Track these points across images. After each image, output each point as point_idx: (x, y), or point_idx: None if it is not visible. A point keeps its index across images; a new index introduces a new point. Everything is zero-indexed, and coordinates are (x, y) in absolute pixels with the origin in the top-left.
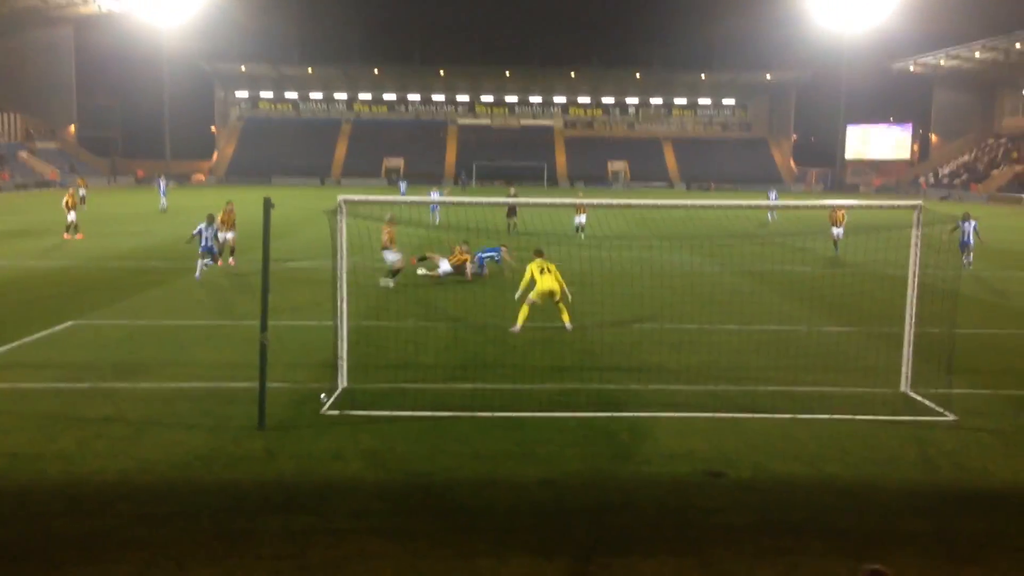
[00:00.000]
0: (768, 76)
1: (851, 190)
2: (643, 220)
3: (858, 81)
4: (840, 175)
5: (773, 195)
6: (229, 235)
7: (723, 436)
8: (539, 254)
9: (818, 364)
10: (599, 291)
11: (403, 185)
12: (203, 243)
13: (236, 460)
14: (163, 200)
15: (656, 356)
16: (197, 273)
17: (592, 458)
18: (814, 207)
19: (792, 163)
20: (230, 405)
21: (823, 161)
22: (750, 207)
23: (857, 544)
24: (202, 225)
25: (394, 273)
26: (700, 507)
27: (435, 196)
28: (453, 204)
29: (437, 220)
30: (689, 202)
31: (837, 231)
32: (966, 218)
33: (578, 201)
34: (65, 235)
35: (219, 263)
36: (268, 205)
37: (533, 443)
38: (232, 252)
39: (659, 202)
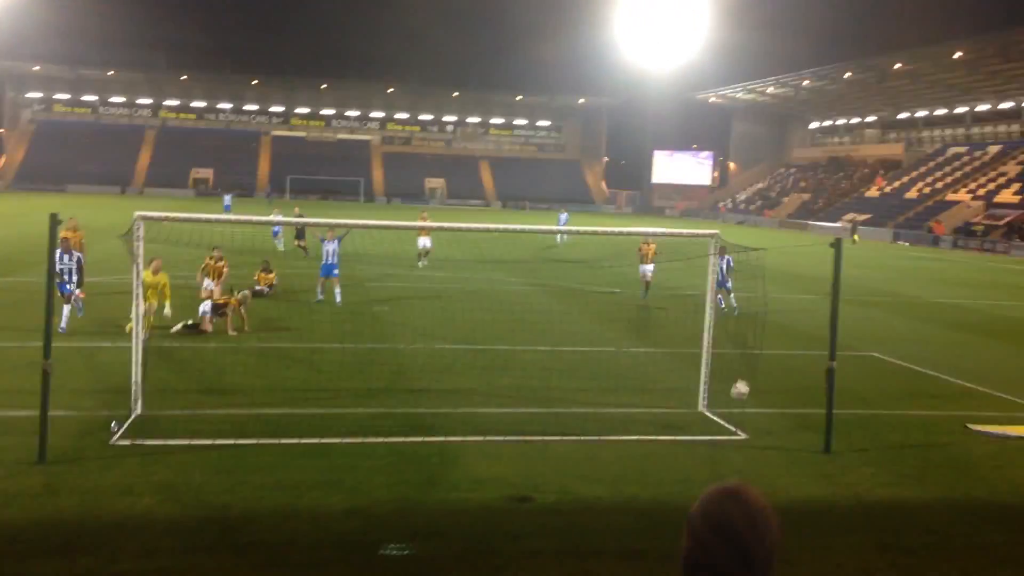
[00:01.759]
0: (581, 100)
1: (657, 212)
2: (456, 240)
3: (665, 109)
4: (648, 198)
5: (563, 217)
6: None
7: (531, 460)
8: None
9: (625, 385)
10: (412, 311)
11: (227, 199)
12: (61, 281)
13: (10, 497)
14: None
15: (467, 378)
16: (63, 323)
17: (400, 485)
18: (611, 234)
19: (604, 185)
20: (5, 436)
21: (633, 184)
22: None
23: (653, 563)
24: (57, 252)
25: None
26: (507, 532)
27: (278, 217)
28: (294, 225)
29: (281, 245)
30: (527, 227)
31: (646, 268)
32: (721, 253)
33: (422, 224)
34: None
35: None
36: (54, 221)
37: (340, 471)
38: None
39: (494, 226)
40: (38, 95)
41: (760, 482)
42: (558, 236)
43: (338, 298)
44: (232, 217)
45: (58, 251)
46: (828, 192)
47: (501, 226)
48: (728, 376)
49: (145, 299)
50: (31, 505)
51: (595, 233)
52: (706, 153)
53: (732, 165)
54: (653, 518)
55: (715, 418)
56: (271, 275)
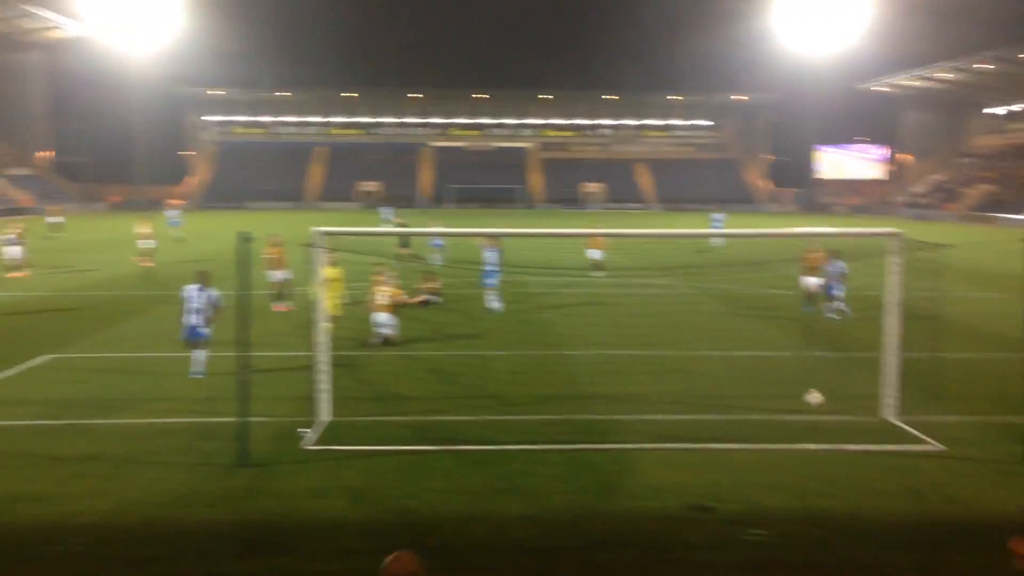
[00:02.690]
0: (740, 97)
1: (824, 210)
2: (617, 245)
3: (828, 101)
4: (814, 196)
5: (718, 218)
6: (278, 275)
7: (709, 468)
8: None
9: (801, 391)
10: (578, 317)
11: (386, 211)
12: (191, 322)
13: (217, 499)
14: (177, 231)
15: (639, 384)
16: (193, 368)
17: (577, 492)
18: (775, 235)
19: (766, 183)
20: (210, 441)
21: (796, 181)
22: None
23: None
24: (191, 289)
25: (279, 296)
26: (689, 543)
27: (438, 229)
28: (453, 235)
29: (440, 260)
30: (687, 231)
31: (809, 280)
32: (834, 257)
33: (594, 232)
34: (9, 275)
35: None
36: (244, 239)
37: (517, 477)
38: (281, 296)
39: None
40: (219, 118)
41: (962, 497)
42: (713, 239)
43: (495, 305)
44: (396, 230)
45: (192, 286)
46: (1016, 182)
47: (660, 231)
48: (914, 382)
49: (326, 297)
50: (236, 507)
51: (756, 236)
52: (874, 146)
53: (904, 157)
54: (841, 531)
55: (903, 426)
56: (434, 283)
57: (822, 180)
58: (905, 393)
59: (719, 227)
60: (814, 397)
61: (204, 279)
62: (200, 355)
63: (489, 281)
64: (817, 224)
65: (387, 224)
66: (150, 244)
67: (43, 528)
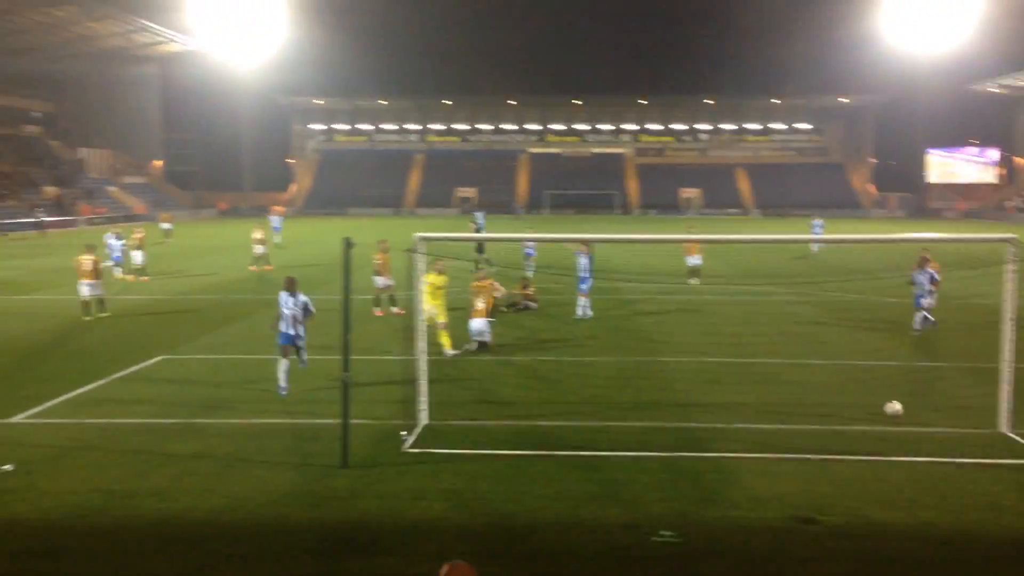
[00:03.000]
0: (844, 99)
1: (934, 215)
2: (713, 251)
3: (938, 103)
4: (922, 200)
5: (818, 224)
6: (381, 281)
7: (813, 479)
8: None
9: (909, 402)
10: (675, 324)
11: (479, 216)
12: (286, 329)
13: (321, 499)
14: (278, 236)
15: (738, 392)
16: (283, 382)
17: (677, 501)
18: (880, 241)
19: (871, 188)
20: (313, 442)
21: (904, 186)
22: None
23: None
24: (284, 296)
25: (377, 299)
26: (793, 555)
27: (532, 235)
28: (546, 242)
29: (532, 267)
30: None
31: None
32: (922, 265)
33: (685, 237)
34: (128, 277)
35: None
36: (348, 245)
37: (616, 484)
38: (393, 301)
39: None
40: (321, 126)
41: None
42: (813, 245)
43: (582, 311)
44: (494, 236)
45: (283, 293)
46: None
47: (756, 237)
48: None
49: (431, 305)
50: (339, 507)
51: (860, 241)
52: (988, 148)
53: (1019, 160)
54: (955, 548)
55: (1020, 440)
56: (528, 290)
57: (931, 184)
58: (1022, 406)
59: (819, 233)
60: (892, 407)
61: (292, 286)
62: (284, 366)
63: (581, 287)
64: (927, 230)
65: (472, 230)
66: (261, 249)
67: (157, 522)
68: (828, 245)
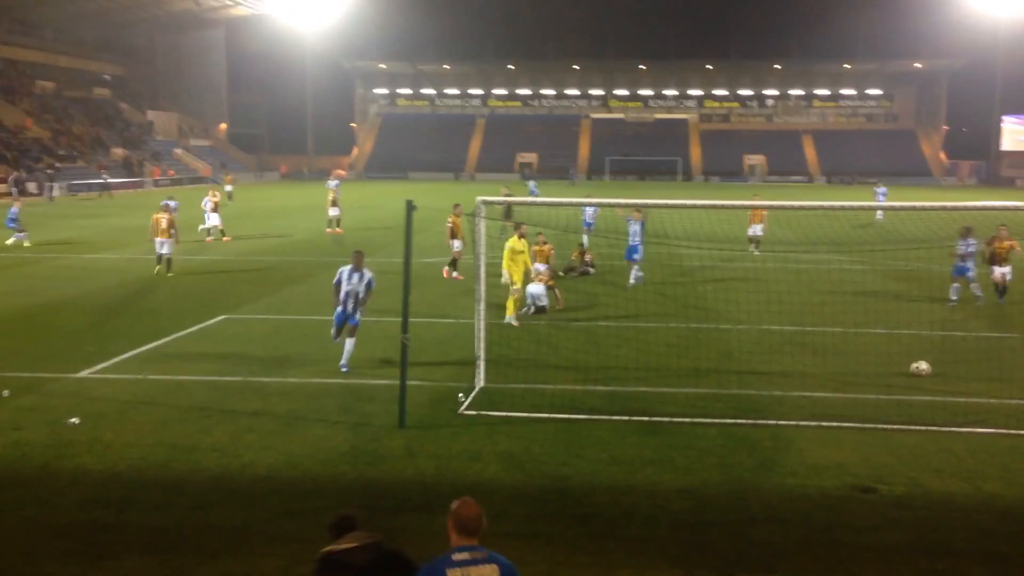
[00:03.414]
0: (917, 65)
1: (1007, 184)
2: (777, 218)
3: (1015, 68)
4: (995, 168)
5: (882, 191)
6: (457, 243)
7: (873, 448)
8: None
9: (978, 373)
10: (735, 292)
11: (532, 184)
12: (342, 305)
13: (378, 458)
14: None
15: (798, 361)
16: (344, 360)
17: (733, 468)
18: (944, 208)
19: (942, 156)
20: (371, 402)
21: (976, 154)
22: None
23: (1017, 568)
24: (344, 271)
25: (453, 262)
26: (850, 524)
27: (593, 200)
28: (609, 205)
29: (586, 238)
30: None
31: (1000, 270)
32: (965, 235)
33: (755, 204)
34: (208, 239)
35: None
36: (410, 208)
37: (671, 450)
38: (455, 266)
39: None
40: (384, 91)
41: None
42: (878, 212)
43: (632, 280)
44: (559, 200)
45: (346, 268)
46: None
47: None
48: None
49: (509, 269)
50: (396, 466)
51: (921, 208)
52: None
53: None
54: (1018, 520)
55: None
56: (587, 256)
57: (1004, 152)
58: None
59: (882, 200)
60: (919, 366)
61: (360, 261)
62: (350, 344)
63: (633, 256)
64: (999, 199)
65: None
66: (336, 212)
67: (218, 477)
68: (893, 213)
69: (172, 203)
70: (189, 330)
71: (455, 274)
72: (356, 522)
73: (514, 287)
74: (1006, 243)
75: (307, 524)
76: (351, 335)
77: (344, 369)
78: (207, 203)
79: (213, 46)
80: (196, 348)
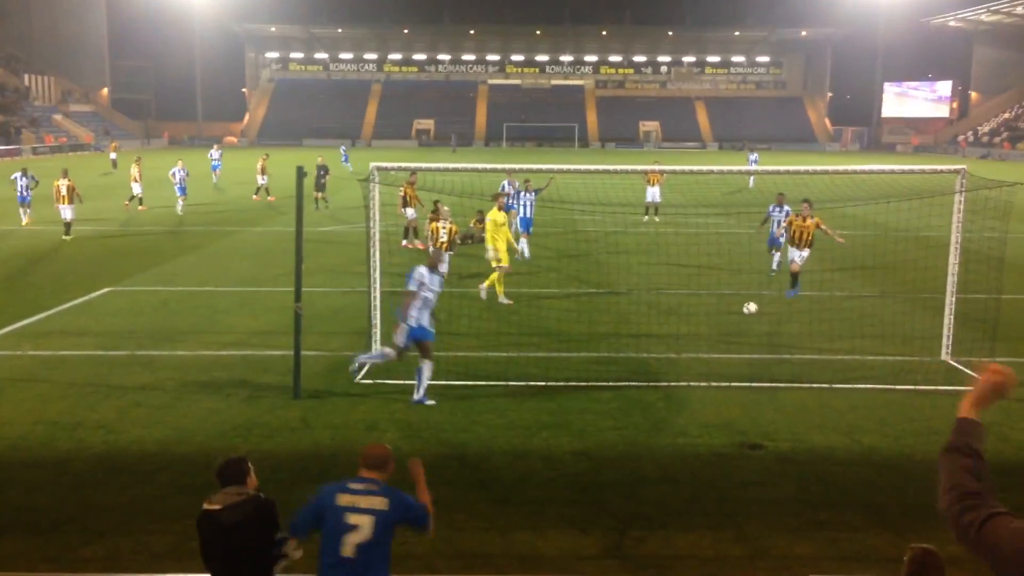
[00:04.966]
0: (803, 33)
1: (888, 150)
2: (669, 184)
3: (895, 38)
4: (876, 134)
5: (753, 158)
6: (411, 212)
7: (760, 407)
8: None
9: (858, 332)
10: (630, 258)
11: (343, 149)
12: (421, 319)
13: (273, 430)
14: (214, 175)
15: (691, 323)
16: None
17: (627, 429)
18: (823, 173)
19: (827, 122)
20: (265, 374)
21: (859, 120)
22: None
23: (897, 519)
24: (423, 272)
25: (406, 231)
26: (738, 480)
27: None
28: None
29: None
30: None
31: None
32: (779, 202)
33: (652, 168)
34: (126, 204)
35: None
36: (300, 174)
37: (567, 413)
38: (416, 233)
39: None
40: (276, 55)
41: (1019, 439)
42: (751, 179)
43: (526, 253)
44: (453, 165)
45: (422, 268)
46: None
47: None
48: (976, 323)
49: (491, 242)
50: (291, 438)
51: (793, 173)
52: (942, 83)
53: (974, 95)
54: (894, 471)
55: (962, 367)
56: (483, 224)
57: (885, 119)
58: (966, 334)
59: (754, 166)
60: (749, 307)
61: (439, 260)
62: (429, 370)
63: (527, 227)
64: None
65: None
66: (263, 180)
67: (103, 455)
68: (764, 178)
69: (178, 170)
70: (71, 303)
71: (417, 242)
72: (245, 466)
73: (501, 265)
74: (808, 221)
75: (199, 499)
76: (428, 356)
77: (430, 403)
78: (176, 173)
79: (91, 5)
80: (79, 322)
